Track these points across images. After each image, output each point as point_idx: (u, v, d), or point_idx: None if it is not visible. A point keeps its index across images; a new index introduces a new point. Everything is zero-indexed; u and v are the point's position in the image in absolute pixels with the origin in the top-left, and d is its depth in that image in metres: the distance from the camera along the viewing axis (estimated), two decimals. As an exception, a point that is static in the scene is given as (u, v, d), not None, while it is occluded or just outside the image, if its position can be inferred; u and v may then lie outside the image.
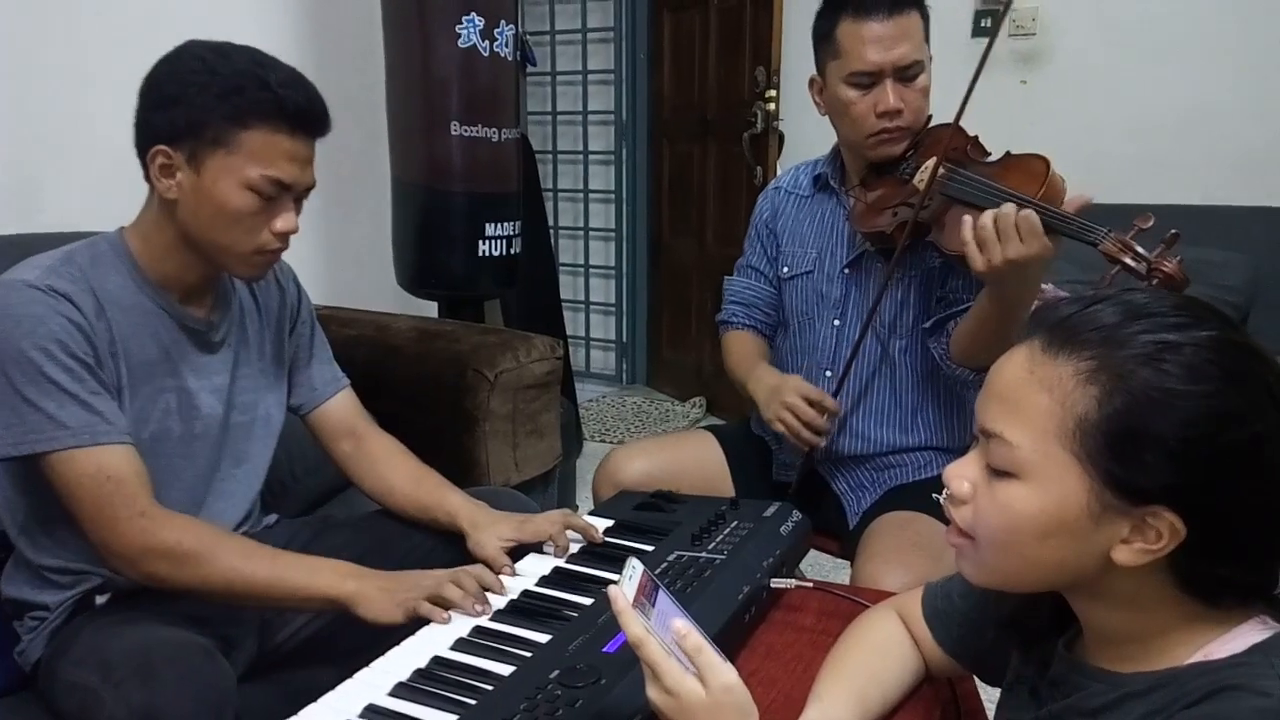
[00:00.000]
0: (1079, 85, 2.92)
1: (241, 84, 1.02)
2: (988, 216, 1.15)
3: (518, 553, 1.17)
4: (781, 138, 3.07)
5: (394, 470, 1.28)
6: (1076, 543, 0.65)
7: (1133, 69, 2.86)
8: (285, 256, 1.32)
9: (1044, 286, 1.29)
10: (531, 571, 1.12)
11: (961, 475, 0.71)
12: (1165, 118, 2.83)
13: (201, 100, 1.02)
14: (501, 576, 1.09)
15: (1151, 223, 1.12)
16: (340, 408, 1.32)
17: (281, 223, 1.08)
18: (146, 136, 1.06)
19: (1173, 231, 1.10)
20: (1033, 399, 0.65)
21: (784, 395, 1.41)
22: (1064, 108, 2.92)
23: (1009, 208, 1.14)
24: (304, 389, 1.30)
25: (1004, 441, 0.66)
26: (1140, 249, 1.12)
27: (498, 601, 1.04)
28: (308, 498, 1.55)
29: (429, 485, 1.26)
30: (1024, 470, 0.66)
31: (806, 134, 3.02)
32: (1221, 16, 2.75)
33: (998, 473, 0.67)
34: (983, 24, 3.03)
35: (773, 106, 3.03)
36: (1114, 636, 0.69)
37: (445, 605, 1.00)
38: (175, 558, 1.02)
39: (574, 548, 1.17)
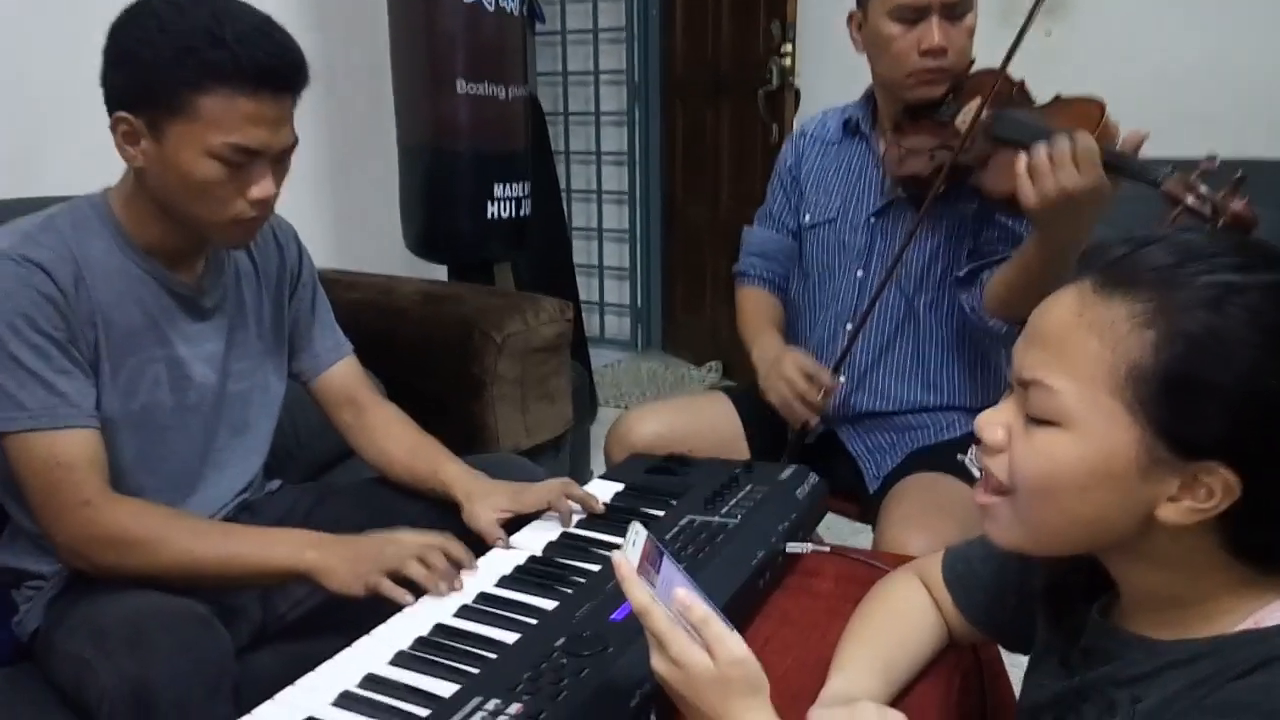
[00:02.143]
0: (1105, 36, 2.83)
1: (193, 43, 0.93)
2: (1041, 147, 1.09)
3: (517, 523, 1.13)
4: (798, 94, 2.98)
5: (392, 440, 1.24)
6: (1120, 497, 0.60)
7: (1160, 19, 2.76)
8: (290, 218, 1.28)
9: None
10: (527, 545, 1.08)
11: (995, 422, 0.66)
12: (1194, 69, 2.73)
13: (155, 62, 0.94)
14: (495, 551, 1.05)
15: (1217, 163, 1.05)
16: (342, 376, 1.27)
17: (257, 190, 1.00)
18: (109, 100, 0.99)
19: (1239, 174, 1.04)
20: (1081, 343, 0.60)
21: (782, 367, 1.38)
22: (1089, 59, 2.81)
23: (1063, 136, 1.08)
24: (305, 356, 1.26)
25: (1046, 388, 0.62)
26: (1205, 189, 1.05)
27: (474, 580, 0.98)
28: (313, 463, 1.52)
29: (425, 455, 1.22)
30: (1067, 418, 0.61)
31: (824, 90, 2.94)
32: (1251, -36, 2.64)
33: (1037, 421, 0.63)
34: (1004, -27, 2.92)
35: (789, 62, 2.94)
36: (1154, 601, 0.65)
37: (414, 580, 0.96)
38: (122, 545, 0.98)
39: (575, 518, 1.13)
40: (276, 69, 0.97)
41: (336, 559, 0.99)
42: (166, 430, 1.10)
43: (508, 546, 1.08)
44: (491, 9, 2.08)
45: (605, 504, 1.18)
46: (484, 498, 1.13)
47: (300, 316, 1.25)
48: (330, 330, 1.29)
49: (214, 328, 1.13)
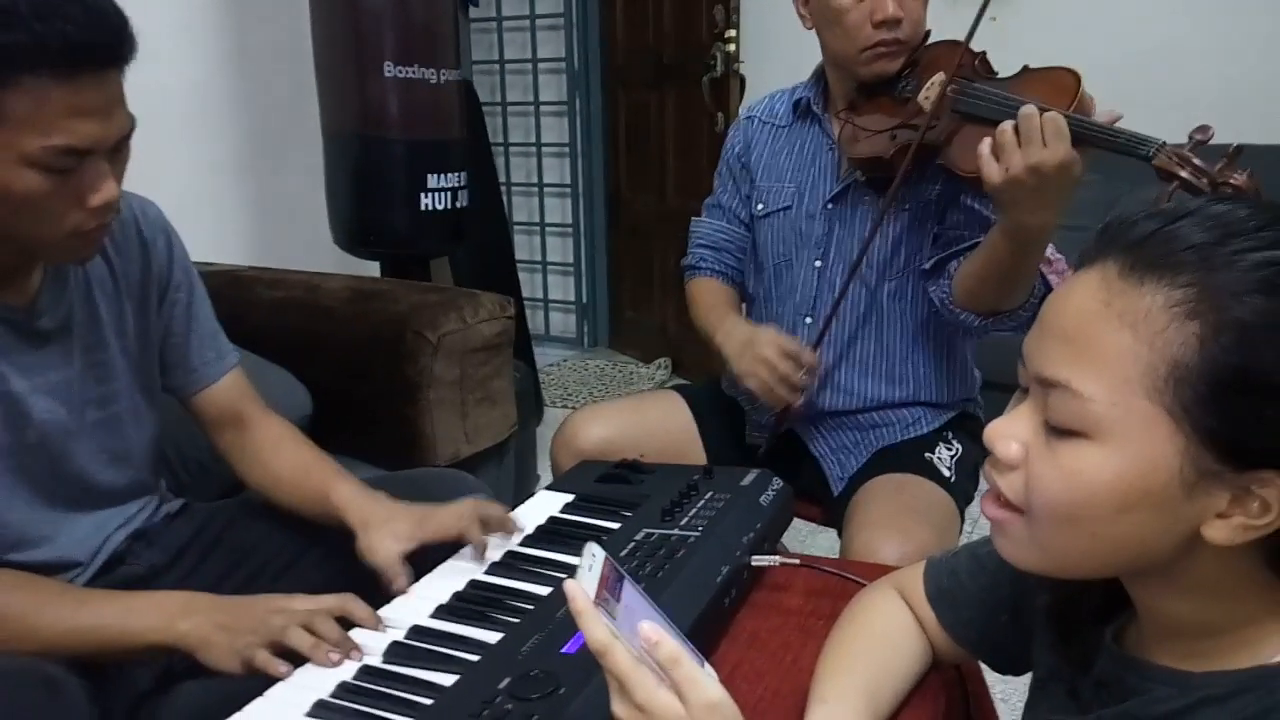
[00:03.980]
0: (1050, 22, 2.82)
1: None
2: (1007, 122, 1.02)
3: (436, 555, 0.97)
4: (743, 81, 2.92)
5: (280, 458, 1.09)
6: (1161, 517, 0.52)
7: (1105, 5, 2.76)
8: (208, 212, 1.13)
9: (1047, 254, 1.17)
10: (428, 596, 0.91)
11: (1010, 435, 0.57)
12: (1140, 54, 2.74)
13: None
14: (397, 601, 0.91)
15: (1212, 134, 0.99)
16: (223, 393, 1.11)
17: (98, 196, 0.82)
18: None
19: (1235, 145, 0.97)
20: (1110, 338, 0.52)
21: (758, 348, 1.26)
22: (1035, 45, 2.76)
23: (1030, 108, 1.01)
24: (180, 371, 1.09)
25: (1071, 392, 0.53)
26: (1200, 161, 0.99)
27: (373, 641, 0.84)
28: (229, 478, 1.38)
29: (318, 475, 1.06)
30: (1097, 429, 0.52)
31: (769, 76, 2.87)
32: (1196, -51, 2.65)
33: (1060, 432, 0.54)
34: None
35: (733, 47, 2.88)
36: (1184, 629, 0.57)
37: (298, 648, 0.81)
38: None
39: (494, 552, 0.97)
40: (93, 42, 0.77)
41: (212, 628, 0.84)
42: (9, 476, 0.94)
43: (407, 587, 0.92)
44: (421, -13, 1.96)
45: (553, 517, 1.08)
46: (382, 525, 0.96)
47: (173, 326, 1.08)
48: (210, 339, 1.11)
49: (58, 353, 0.96)
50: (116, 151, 0.85)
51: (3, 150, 0.78)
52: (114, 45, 0.80)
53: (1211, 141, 1.00)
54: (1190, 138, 1.00)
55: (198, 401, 1.11)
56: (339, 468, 1.08)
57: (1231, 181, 0.97)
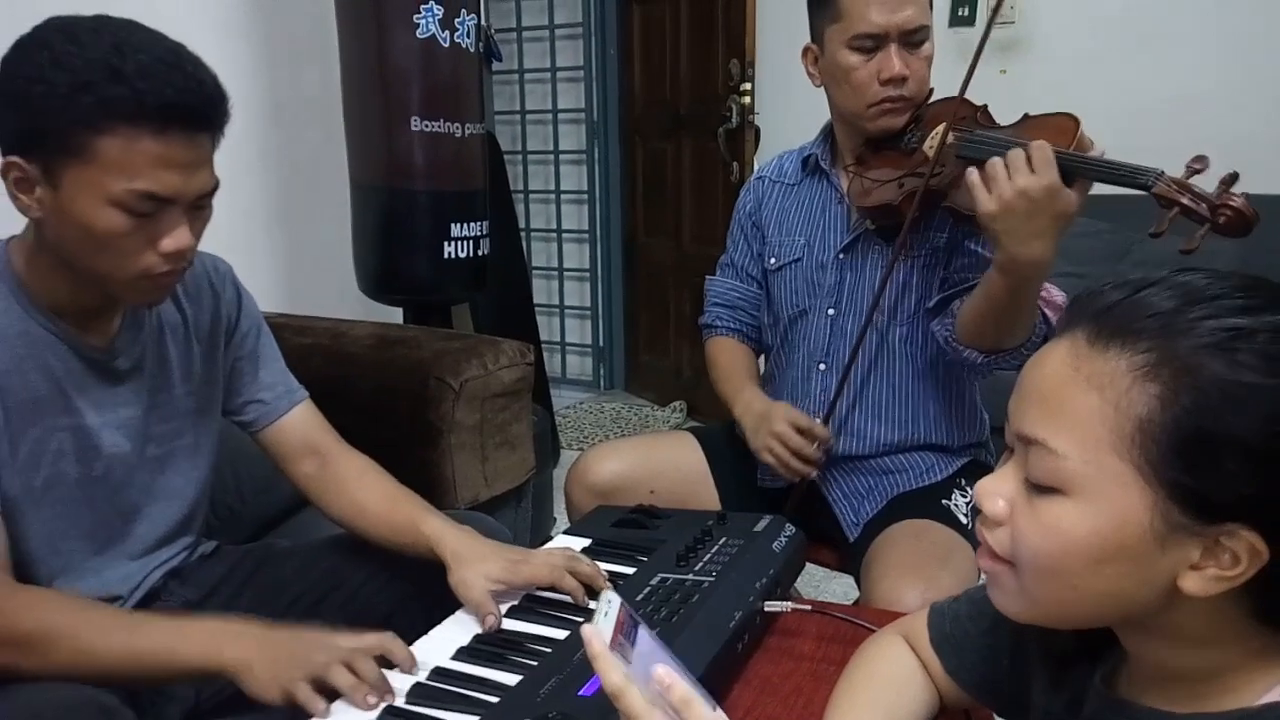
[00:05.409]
0: (1059, 74, 2.86)
1: (89, 78, 0.83)
2: (996, 158, 1.07)
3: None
4: (758, 132, 2.99)
5: (366, 490, 1.13)
6: (1137, 569, 0.55)
7: (1113, 57, 2.81)
8: (238, 259, 1.19)
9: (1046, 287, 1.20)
10: (449, 638, 0.94)
11: (996, 493, 0.60)
12: (1147, 106, 2.77)
13: (46, 101, 0.83)
14: (418, 642, 0.94)
15: (1207, 165, 1.02)
16: (299, 423, 1.16)
17: (170, 241, 0.90)
18: (1, 144, 0.89)
19: (1231, 171, 1.01)
20: (1080, 400, 0.55)
21: (772, 424, 1.32)
22: (1044, 98, 2.81)
23: (1017, 148, 1.06)
24: (253, 405, 1.16)
25: (1047, 451, 0.56)
26: (1198, 188, 1.03)
27: (397, 681, 0.86)
28: (257, 521, 1.42)
29: (406, 507, 1.10)
30: (1072, 485, 0.56)
31: (783, 127, 2.94)
32: (1202, 3, 2.69)
33: (1040, 489, 0.57)
34: (960, 13, 2.96)
35: (748, 100, 2.95)
36: (1171, 675, 0.59)
37: (337, 686, 0.84)
38: (15, 645, 0.86)
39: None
40: (186, 105, 0.87)
41: (257, 657, 0.87)
42: (72, 505, 0.99)
43: (498, 626, 0.95)
44: (446, 45, 2.03)
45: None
46: (476, 562, 1.00)
47: (240, 364, 1.15)
48: (281, 375, 1.18)
49: (130, 391, 1.03)
50: (198, 209, 0.93)
51: (92, 187, 0.86)
52: (205, 111, 0.89)
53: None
54: (1187, 168, 1.03)
55: (272, 434, 1.16)
56: (424, 501, 1.12)
57: (1230, 204, 1.00)
